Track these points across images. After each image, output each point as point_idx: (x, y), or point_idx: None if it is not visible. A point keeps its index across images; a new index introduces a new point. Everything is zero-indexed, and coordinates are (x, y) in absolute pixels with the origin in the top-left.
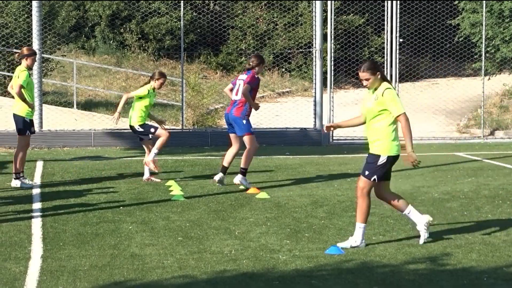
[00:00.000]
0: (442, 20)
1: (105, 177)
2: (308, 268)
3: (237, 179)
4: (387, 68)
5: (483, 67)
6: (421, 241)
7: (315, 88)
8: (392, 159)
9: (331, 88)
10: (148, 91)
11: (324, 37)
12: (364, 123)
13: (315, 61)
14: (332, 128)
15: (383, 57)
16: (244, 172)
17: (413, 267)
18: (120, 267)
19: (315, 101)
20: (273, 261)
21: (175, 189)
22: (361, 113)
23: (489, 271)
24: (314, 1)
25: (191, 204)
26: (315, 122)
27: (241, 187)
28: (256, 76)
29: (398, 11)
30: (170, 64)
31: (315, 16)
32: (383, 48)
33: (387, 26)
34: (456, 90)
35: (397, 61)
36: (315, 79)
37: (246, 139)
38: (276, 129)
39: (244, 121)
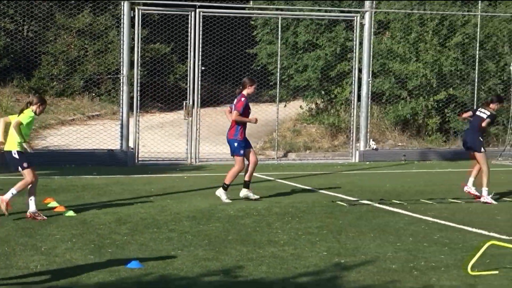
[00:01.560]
0: (242, 50)
1: None
2: (110, 282)
3: (219, 192)
4: (189, 94)
5: (277, 94)
6: None
7: (122, 112)
8: None
9: (137, 111)
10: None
11: (132, 64)
12: None
13: (122, 87)
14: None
15: (187, 83)
16: (226, 187)
17: (208, 279)
18: None
19: (121, 124)
20: (76, 275)
21: None
22: None
23: (277, 282)
24: (122, 30)
25: (0, 221)
26: (121, 144)
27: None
28: (243, 99)
29: (201, 42)
30: None
31: (123, 44)
32: (187, 75)
33: (190, 55)
34: (254, 115)
35: (199, 87)
36: (122, 103)
37: (236, 159)
38: (85, 151)
39: (236, 144)
